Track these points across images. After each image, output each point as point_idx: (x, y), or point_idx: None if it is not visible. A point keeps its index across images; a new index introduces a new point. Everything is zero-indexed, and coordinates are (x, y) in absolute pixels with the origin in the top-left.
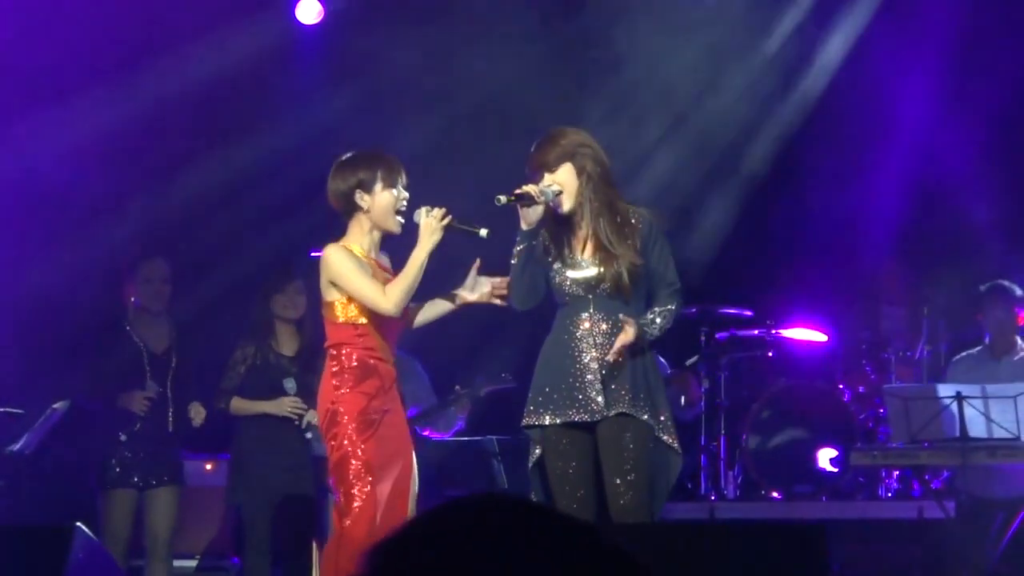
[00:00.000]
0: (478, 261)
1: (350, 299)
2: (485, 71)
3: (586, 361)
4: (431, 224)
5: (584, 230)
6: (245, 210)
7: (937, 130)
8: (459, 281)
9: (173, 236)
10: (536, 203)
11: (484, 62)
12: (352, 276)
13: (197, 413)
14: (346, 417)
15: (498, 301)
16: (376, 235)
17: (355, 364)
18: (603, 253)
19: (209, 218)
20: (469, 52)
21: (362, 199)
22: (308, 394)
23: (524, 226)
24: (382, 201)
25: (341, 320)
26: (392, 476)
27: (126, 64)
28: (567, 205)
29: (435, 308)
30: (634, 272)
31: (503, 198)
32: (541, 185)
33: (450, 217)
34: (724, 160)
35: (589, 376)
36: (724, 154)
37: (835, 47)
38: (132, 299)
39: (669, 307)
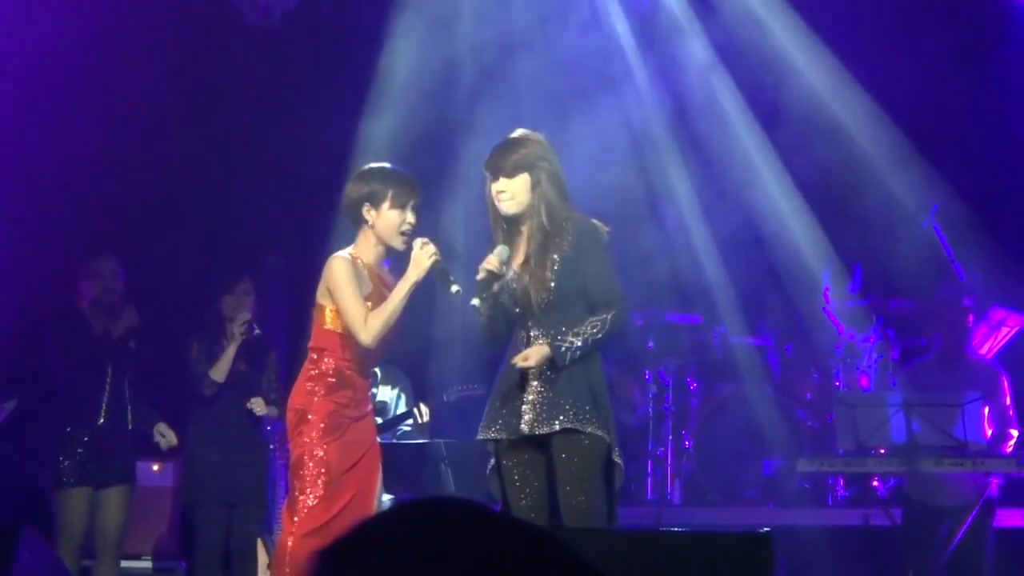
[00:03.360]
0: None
1: None
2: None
3: (523, 379)
4: (420, 259)
5: (524, 244)
6: (194, 212)
7: (883, 135)
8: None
9: (125, 237)
10: (501, 275)
11: None
12: (345, 293)
13: (164, 437)
14: (314, 418)
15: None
16: (381, 249)
17: (332, 372)
18: (524, 268)
19: (158, 219)
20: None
21: (368, 213)
22: (249, 386)
23: (495, 290)
24: (386, 219)
25: (328, 326)
26: (355, 483)
27: (82, 61)
28: (512, 211)
29: None
30: (543, 292)
31: (477, 302)
32: (496, 251)
33: (437, 258)
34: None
35: (525, 395)
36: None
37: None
38: (86, 296)
39: (597, 324)
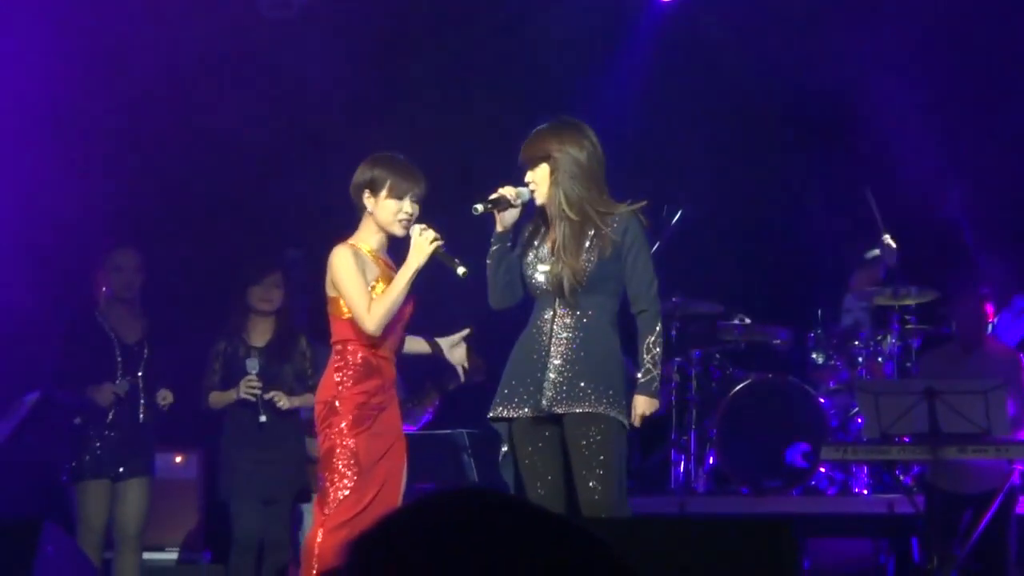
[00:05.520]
0: (470, 330)
1: None
2: None
3: (545, 356)
4: (421, 245)
5: (552, 228)
6: (214, 203)
7: (905, 124)
8: (448, 304)
9: (150, 225)
10: (513, 206)
11: None
12: (348, 283)
13: (163, 398)
14: (342, 410)
15: (462, 376)
16: (383, 235)
17: (359, 362)
18: (556, 255)
19: (188, 207)
20: None
21: (368, 200)
22: (271, 380)
23: (499, 228)
24: (384, 208)
25: (346, 316)
26: (383, 474)
27: (101, 48)
28: (539, 201)
29: (416, 344)
30: (578, 278)
31: (480, 207)
32: (518, 188)
33: (439, 244)
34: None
35: (546, 372)
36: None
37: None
38: (103, 288)
39: (652, 333)
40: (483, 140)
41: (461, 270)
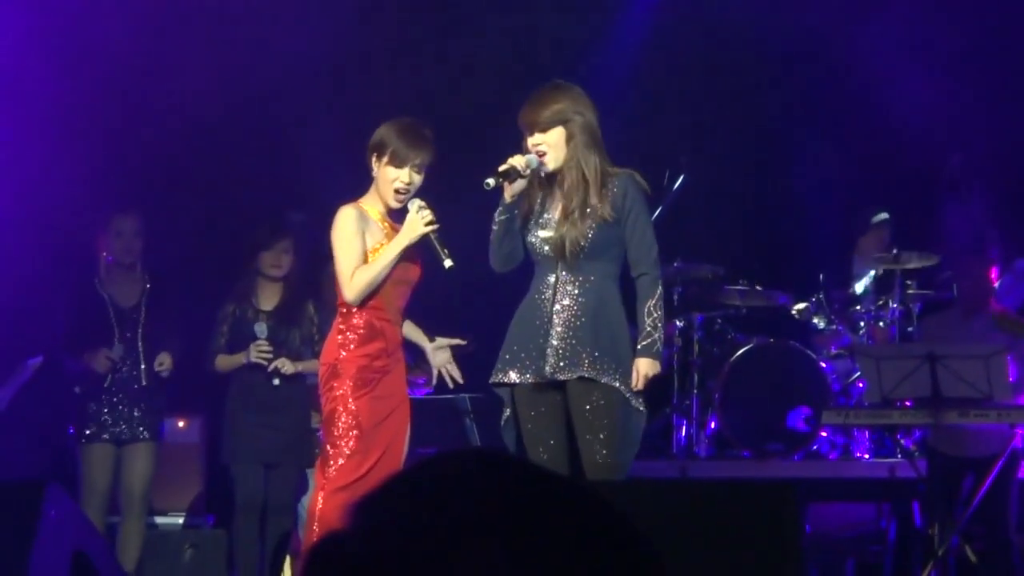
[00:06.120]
0: (462, 341)
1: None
2: None
3: (547, 323)
4: (415, 224)
5: (560, 193)
6: (214, 168)
7: (903, 82)
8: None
9: (154, 191)
10: (523, 176)
11: None
12: (341, 245)
13: (161, 363)
14: (344, 372)
15: (433, 379)
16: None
17: (362, 324)
18: (562, 217)
19: (192, 173)
20: None
21: (374, 164)
22: (279, 345)
23: (507, 197)
24: (383, 174)
25: None
26: (385, 437)
27: (88, 9)
28: (551, 166)
29: (414, 333)
30: (580, 242)
31: (491, 181)
32: (526, 156)
33: (434, 227)
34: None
35: (548, 339)
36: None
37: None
38: (104, 254)
39: (653, 297)
40: (478, 106)
41: (448, 263)
